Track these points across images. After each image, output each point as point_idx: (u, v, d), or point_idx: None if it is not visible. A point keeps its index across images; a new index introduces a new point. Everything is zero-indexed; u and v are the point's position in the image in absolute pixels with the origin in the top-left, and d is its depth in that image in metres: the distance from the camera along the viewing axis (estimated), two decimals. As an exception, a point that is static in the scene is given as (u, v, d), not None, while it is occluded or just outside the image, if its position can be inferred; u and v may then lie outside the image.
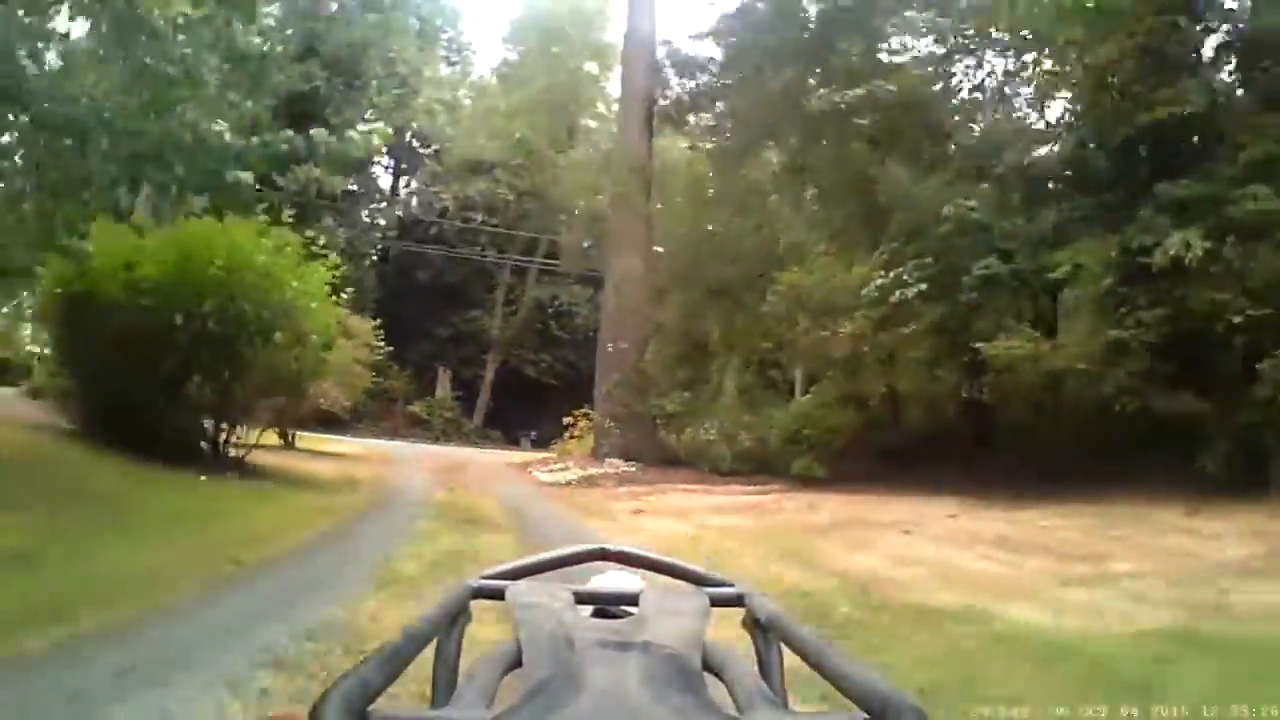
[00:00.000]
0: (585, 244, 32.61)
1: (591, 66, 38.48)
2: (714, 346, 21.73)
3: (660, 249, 23.19)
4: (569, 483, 18.14)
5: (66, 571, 5.99)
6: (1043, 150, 16.22)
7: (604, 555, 1.24)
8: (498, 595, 1.04)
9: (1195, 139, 13.45)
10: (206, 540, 7.92)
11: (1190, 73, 13.72)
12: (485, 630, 1.18)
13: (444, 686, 0.95)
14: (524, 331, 36.67)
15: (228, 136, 8.50)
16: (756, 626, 1.01)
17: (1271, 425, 11.50)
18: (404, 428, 32.86)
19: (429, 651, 0.93)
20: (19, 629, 4.68)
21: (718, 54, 21.92)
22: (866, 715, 0.72)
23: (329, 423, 21.33)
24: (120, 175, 8.22)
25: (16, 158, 8.92)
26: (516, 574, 1.12)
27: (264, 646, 4.85)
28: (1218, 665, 4.98)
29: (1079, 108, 15.93)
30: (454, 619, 0.99)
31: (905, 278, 15.06)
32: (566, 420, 24.92)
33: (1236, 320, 11.65)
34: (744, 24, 20.67)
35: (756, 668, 0.95)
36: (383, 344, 22.32)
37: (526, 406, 33.71)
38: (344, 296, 15.25)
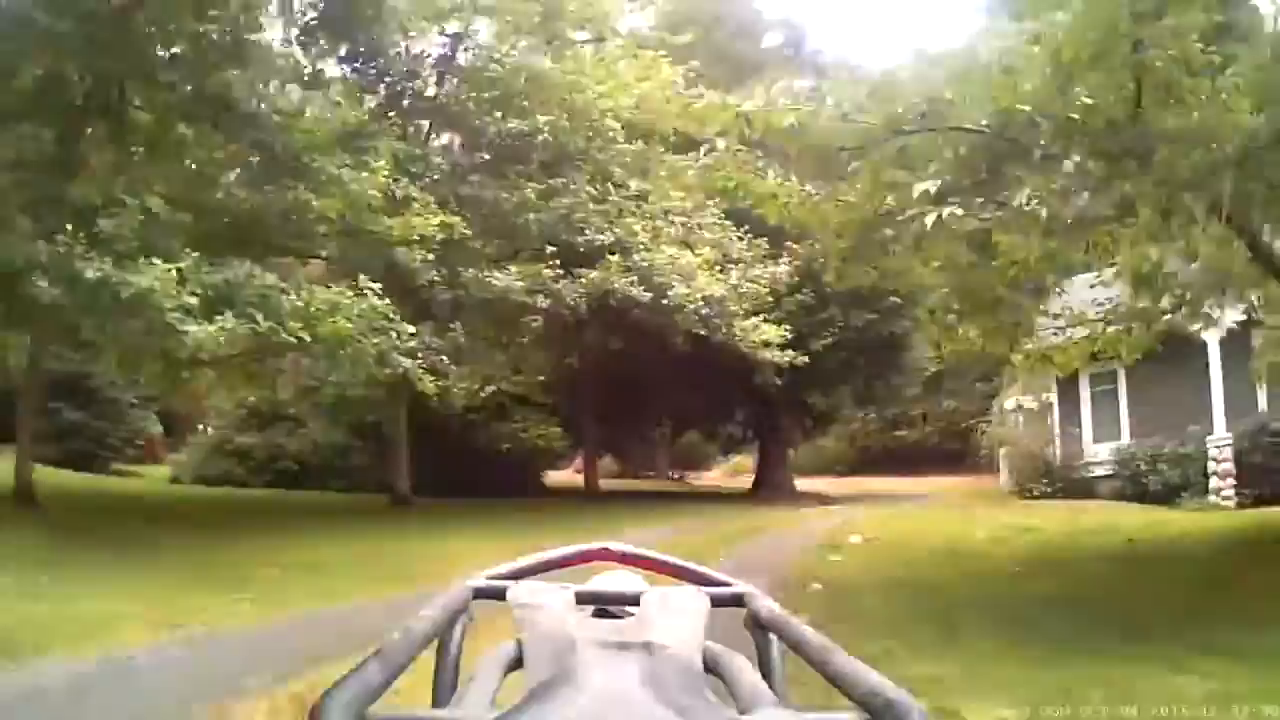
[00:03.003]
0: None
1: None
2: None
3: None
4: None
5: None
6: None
7: (605, 555, 1.23)
8: (499, 595, 1.03)
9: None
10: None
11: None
12: (486, 630, 1.18)
13: (445, 686, 0.97)
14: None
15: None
16: (757, 626, 1.00)
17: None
18: None
19: (430, 651, 0.92)
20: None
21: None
22: (868, 715, 0.71)
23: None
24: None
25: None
26: (518, 574, 1.11)
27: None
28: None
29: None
30: (455, 619, 0.98)
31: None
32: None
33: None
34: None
35: (757, 667, 0.94)
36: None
37: None
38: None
